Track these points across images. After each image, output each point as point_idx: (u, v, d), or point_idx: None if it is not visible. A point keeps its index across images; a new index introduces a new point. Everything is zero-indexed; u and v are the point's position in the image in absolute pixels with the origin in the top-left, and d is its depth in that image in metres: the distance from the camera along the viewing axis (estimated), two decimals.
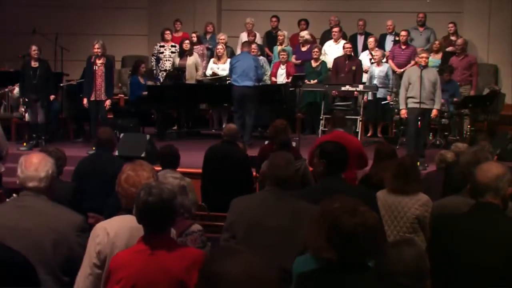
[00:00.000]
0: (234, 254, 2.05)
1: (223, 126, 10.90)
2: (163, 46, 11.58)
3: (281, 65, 11.33)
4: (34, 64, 9.69)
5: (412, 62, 10.27)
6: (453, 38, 11.71)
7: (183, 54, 11.14)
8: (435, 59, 11.12)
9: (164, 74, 11.30)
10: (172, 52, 11.47)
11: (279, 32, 11.97)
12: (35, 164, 3.30)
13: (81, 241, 3.23)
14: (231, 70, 10.17)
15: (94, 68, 9.67)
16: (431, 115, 8.81)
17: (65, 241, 3.21)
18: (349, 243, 2.57)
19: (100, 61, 9.71)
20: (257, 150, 7.56)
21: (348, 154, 4.08)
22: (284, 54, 11.30)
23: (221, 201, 5.99)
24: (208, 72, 11.31)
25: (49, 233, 3.19)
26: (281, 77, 11.28)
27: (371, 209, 3.63)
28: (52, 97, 9.97)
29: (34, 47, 9.69)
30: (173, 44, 11.58)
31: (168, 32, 11.62)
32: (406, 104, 8.65)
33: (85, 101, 9.77)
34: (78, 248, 3.22)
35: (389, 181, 4.58)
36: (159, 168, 5.37)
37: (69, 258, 3.21)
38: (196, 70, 11.21)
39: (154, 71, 11.57)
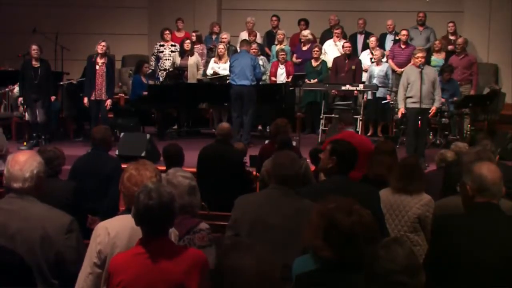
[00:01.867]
0: (247, 248, 2.07)
1: None
2: (163, 45, 11.58)
3: (280, 65, 11.33)
4: (35, 64, 9.68)
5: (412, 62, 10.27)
6: (452, 37, 11.72)
7: (184, 53, 11.14)
8: (438, 58, 11.13)
9: (164, 73, 11.31)
10: (172, 51, 11.47)
11: (279, 31, 11.97)
12: (20, 163, 3.15)
13: (69, 243, 3.16)
14: (230, 69, 10.18)
15: (96, 68, 9.68)
16: (430, 112, 8.80)
17: (53, 243, 3.12)
18: (348, 243, 2.58)
19: (102, 61, 9.72)
20: (257, 150, 7.55)
21: (358, 155, 4.07)
22: (283, 54, 11.30)
23: (215, 201, 6.02)
24: (209, 71, 11.31)
25: (37, 236, 3.10)
26: (281, 76, 11.29)
27: (374, 207, 3.67)
28: (53, 98, 9.99)
29: (34, 47, 9.68)
30: (173, 43, 11.59)
31: (167, 32, 11.61)
32: (405, 104, 8.63)
33: (85, 100, 9.78)
34: (67, 250, 3.15)
35: (393, 181, 4.58)
36: (162, 168, 5.37)
37: (58, 260, 3.14)
38: (197, 69, 11.22)
39: (154, 70, 11.56)
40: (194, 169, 7.24)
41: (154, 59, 11.68)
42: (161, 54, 11.51)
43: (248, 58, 9.99)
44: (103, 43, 9.69)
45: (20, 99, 9.85)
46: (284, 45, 11.77)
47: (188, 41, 11.21)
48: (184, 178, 3.54)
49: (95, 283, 3.06)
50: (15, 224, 3.11)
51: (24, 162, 3.15)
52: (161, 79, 11.30)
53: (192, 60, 11.13)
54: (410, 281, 2.33)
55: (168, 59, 11.43)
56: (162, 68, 11.44)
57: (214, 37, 12.35)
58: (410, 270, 2.34)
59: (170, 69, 11.22)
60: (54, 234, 3.13)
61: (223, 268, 2.02)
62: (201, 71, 11.30)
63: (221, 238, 3.62)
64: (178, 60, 11.18)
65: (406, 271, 2.33)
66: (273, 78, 11.36)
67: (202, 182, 6.70)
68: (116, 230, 3.08)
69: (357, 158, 4.05)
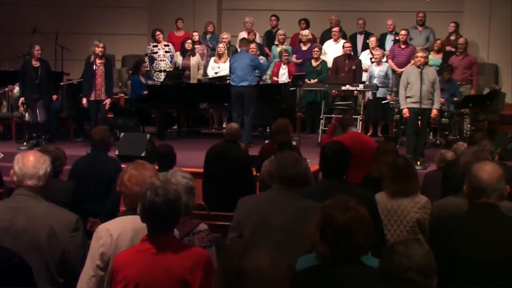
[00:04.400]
0: (257, 248, 2.10)
1: (223, 125, 10.92)
2: (156, 46, 11.50)
3: (282, 65, 11.33)
4: (35, 63, 9.66)
5: (412, 62, 10.27)
6: (452, 37, 11.72)
7: (185, 53, 11.14)
8: (436, 58, 11.13)
9: (159, 74, 11.28)
10: (166, 52, 11.42)
11: (280, 32, 11.97)
12: (33, 162, 3.20)
13: (75, 241, 3.19)
14: (230, 69, 10.18)
15: (94, 68, 9.66)
16: (431, 115, 8.78)
17: (60, 242, 3.14)
18: (344, 238, 2.59)
19: (100, 61, 9.70)
20: (257, 150, 7.54)
21: (350, 156, 4.05)
22: (286, 55, 11.29)
23: (222, 201, 6.00)
24: (209, 71, 11.30)
25: (43, 234, 3.12)
26: (283, 76, 11.28)
27: (371, 209, 3.65)
28: (54, 97, 9.97)
29: (37, 47, 9.65)
30: (167, 43, 11.54)
31: (158, 32, 11.51)
32: (406, 103, 8.62)
33: (84, 101, 9.76)
34: (73, 248, 3.17)
35: (387, 184, 4.53)
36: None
37: (64, 259, 3.16)
38: (198, 69, 11.22)
39: (148, 71, 11.49)
40: (194, 169, 7.24)
41: (147, 60, 11.58)
42: (155, 55, 11.41)
43: (248, 58, 9.98)
44: (101, 44, 9.65)
45: (22, 99, 9.84)
46: (285, 45, 11.76)
47: (189, 41, 11.20)
48: (183, 178, 3.55)
49: (98, 286, 3.06)
50: (22, 222, 3.13)
51: (37, 160, 3.21)
52: (156, 80, 11.26)
53: (194, 60, 11.14)
54: (423, 281, 2.34)
55: (163, 60, 11.38)
56: (157, 69, 11.36)
57: (208, 36, 12.33)
58: (425, 271, 2.35)
59: (169, 69, 11.21)
60: (61, 232, 3.16)
61: (240, 269, 2.04)
62: (201, 71, 11.30)
63: (225, 241, 3.62)
64: (179, 60, 11.18)
65: (421, 271, 2.34)
66: (275, 78, 11.35)
67: (208, 182, 6.74)
68: (118, 232, 3.09)
69: (347, 159, 4.03)
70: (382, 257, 2.46)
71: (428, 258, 2.38)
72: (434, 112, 8.70)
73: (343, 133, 6.69)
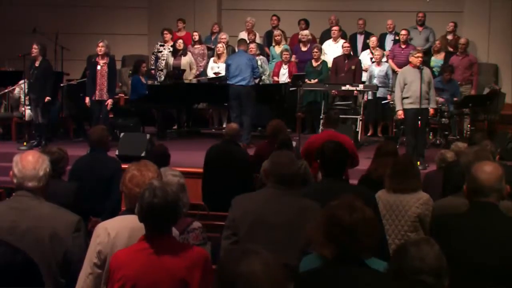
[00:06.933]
0: (252, 253, 2.08)
1: (223, 125, 10.91)
2: (162, 45, 11.57)
3: (283, 65, 11.32)
4: (36, 63, 9.65)
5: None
6: (449, 37, 11.73)
7: (176, 53, 11.16)
8: (437, 59, 11.13)
9: (161, 73, 11.30)
10: (170, 52, 11.48)
11: (275, 32, 11.95)
12: (32, 163, 3.18)
13: (77, 242, 3.19)
14: (227, 69, 10.17)
15: (97, 68, 9.66)
16: (430, 114, 8.80)
17: (62, 243, 3.14)
18: (350, 238, 2.58)
19: (103, 61, 9.70)
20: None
21: (347, 155, 4.07)
22: (287, 54, 11.29)
23: (222, 201, 5.99)
24: (209, 71, 11.31)
25: (46, 235, 3.12)
26: (284, 76, 11.28)
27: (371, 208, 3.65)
28: (47, 98, 9.56)
29: (34, 46, 9.65)
30: (173, 44, 11.59)
31: (166, 32, 11.59)
32: (402, 104, 8.59)
33: (87, 100, 9.75)
34: (74, 249, 3.17)
35: (388, 181, 4.57)
36: None
37: (66, 259, 3.16)
38: (190, 69, 11.22)
39: (153, 70, 11.55)
40: (194, 169, 7.25)
41: (154, 58, 11.69)
42: (159, 54, 11.52)
43: (246, 57, 9.97)
44: (101, 44, 9.64)
45: (27, 97, 9.88)
46: (282, 45, 11.75)
47: (180, 41, 11.23)
48: (174, 176, 3.56)
49: (95, 284, 3.06)
50: (25, 223, 3.13)
51: (36, 161, 3.19)
52: (158, 79, 11.30)
53: (185, 60, 11.15)
54: (435, 283, 2.33)
55: (165, 59, 11.44)
56: (159, 68, 11.44)
57: (213, 37, 12.35)
58: (437, 272, 2.34)
59: (170, 69, 11.23)
60: (63, 232, 3.16)
61: (235, 276, 2.03)
62: (194, 71, 11.30)
63: (232, 248, 3.62)
64: (171, 60, 11.20)
65: (433, 272, 2.33)
66: (275, 78, 11.35)
67: (209, 182, 6.74)
68: (116, 231, 3.09)
69: (345, 157, 4.04)
70: (393, 257, 2.45)
71: (439, 260, 2.37)
72: (431, 111, 8.72)
73: (325, 128, 6.66)
